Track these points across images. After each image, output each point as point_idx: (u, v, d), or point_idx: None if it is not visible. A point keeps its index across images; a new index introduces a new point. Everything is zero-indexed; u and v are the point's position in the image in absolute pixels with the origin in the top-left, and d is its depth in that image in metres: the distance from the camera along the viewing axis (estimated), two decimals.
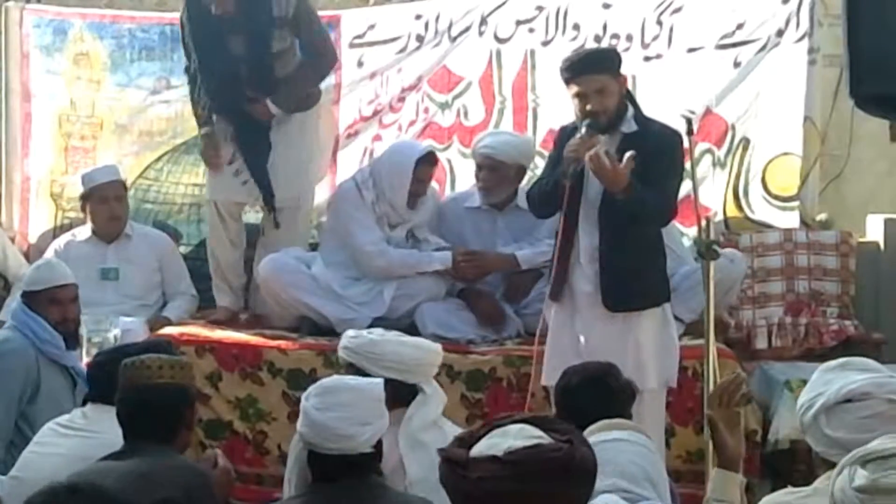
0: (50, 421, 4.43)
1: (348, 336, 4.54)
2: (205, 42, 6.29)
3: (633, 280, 5.10)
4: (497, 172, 6.14)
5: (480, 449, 2.59)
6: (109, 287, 6.46)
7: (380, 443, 3.57)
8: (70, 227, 6.97)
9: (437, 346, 4.62)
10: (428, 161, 6.20)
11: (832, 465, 3.06)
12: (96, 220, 6.65)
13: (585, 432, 3.15)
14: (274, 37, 6.22)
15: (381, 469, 3.65)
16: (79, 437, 4.18)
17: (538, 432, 2.62)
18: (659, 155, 5.05)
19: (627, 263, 5.08)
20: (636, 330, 5.12)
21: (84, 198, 6.68)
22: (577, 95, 5.13)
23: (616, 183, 4.93)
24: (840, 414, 3.07)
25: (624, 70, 5.27)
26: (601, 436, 3.12)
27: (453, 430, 4.24)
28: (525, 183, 6.41)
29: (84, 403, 4.39)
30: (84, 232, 6.71)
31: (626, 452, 3.09)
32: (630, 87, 5.59)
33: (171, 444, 3.79)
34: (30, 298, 5.32)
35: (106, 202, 6.62)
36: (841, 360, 3.27)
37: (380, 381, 3.71)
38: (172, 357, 3.96)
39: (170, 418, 3.80)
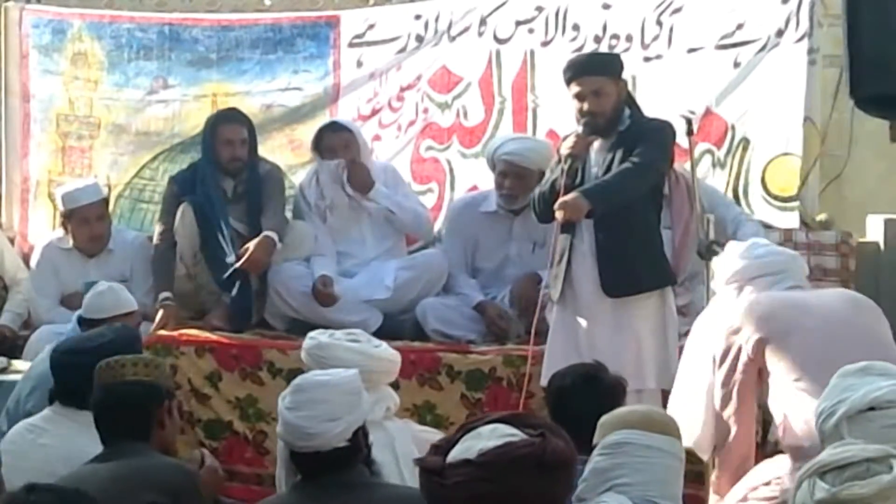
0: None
1: (307, 339, 4.51)
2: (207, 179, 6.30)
3: (631, 265, 5.23)
4: (523, 180, 6.06)
5: (455, 454, 2.67)
6: None
7: (361, 434, 3.51)
8: None
9: (392, 354, 4.54)
10: (330, 129, 6.31)
11: None
12: (77, 239, 6.53)
13: (619, 413, 3.25)
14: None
15: (374, 459, 3.63)
16: (44, 449, 4.11)
17: (511, 430, 2.69)
18: (645, 133, 5.21)
19: (625, 249, 5.19)
20: (636, 319, 5.22)
21: (65, 216, 6.55)
22: (576, 96, 5.24)
23: (577, 213, 5.11)
24: (863, 423, 3.00)
25: (624, 70, 5.34)
26: (642, 437, 3.13)
27: (396, 428, 4.35)
28: None
29: (51, 402, 4.31)
30: (67, 240, 6.58)
31: (656, 466, 3.12)
32: (630, 87, 5.63)
33: (147, 443, 3.74)
34: (89, 326, 5.10)
35: (87, 223, 6.50)
36: (861, 364, 3.22)
37: (353, 371, 3.65)
38: (145, 356, 3.93)
39: (139, 415, 3.75)
